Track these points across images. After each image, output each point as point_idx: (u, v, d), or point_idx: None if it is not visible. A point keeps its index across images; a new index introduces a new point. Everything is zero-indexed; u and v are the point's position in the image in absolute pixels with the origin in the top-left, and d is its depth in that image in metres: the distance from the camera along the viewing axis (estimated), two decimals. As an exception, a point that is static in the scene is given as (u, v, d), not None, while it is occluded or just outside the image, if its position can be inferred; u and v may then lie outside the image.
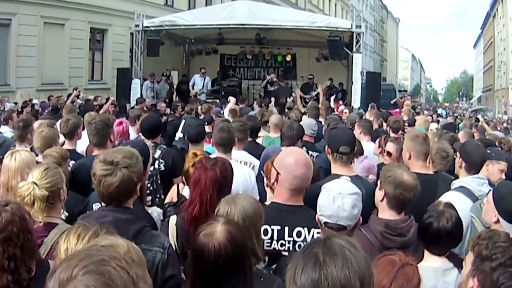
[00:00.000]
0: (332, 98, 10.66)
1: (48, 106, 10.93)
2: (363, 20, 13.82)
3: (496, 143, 5.07)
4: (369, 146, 4.66)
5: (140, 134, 4.64)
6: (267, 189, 2.99)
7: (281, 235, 2.42)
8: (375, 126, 6.41)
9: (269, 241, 2.40)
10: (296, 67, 16.33)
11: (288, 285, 1.21)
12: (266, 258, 2.16)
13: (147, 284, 1.07)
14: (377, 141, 4.58)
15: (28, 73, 14.68)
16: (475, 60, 74.00)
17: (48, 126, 4.44)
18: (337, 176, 2.90)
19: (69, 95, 12.97)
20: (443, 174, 3.64)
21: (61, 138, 4.32)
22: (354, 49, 12.71)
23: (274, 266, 2.25)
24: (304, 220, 2.40)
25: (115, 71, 15.38)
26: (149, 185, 3.92)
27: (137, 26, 13.57)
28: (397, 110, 12.65)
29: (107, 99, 11.06)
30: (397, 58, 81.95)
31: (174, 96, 15.06)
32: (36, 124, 5.00)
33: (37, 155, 3.51)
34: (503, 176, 3.48)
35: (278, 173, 2.49)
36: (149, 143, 3.94)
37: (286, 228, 2.42)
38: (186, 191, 2.95)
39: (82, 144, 4.58)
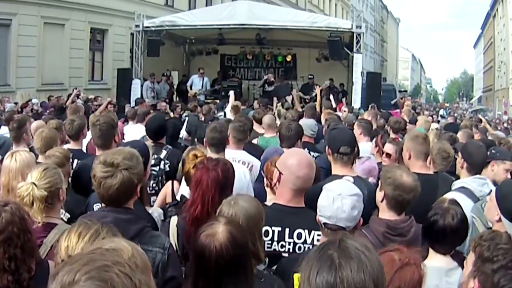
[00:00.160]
0: (331, 98, 10.63)
1: (51, 106, 10.94)
2: (363, 20, 13.79)
3: (496, 143, 5.06)
4: (368, 147, 4.66)
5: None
6: (267, 189, 2.99)
7: (281, 237, 2.41)
8: (374, 126, 6.39)
9: (270, 242, 2.40)
10: (297, 67, 16.33)
11: (302, 286, 1.22)
12: (267, 260, 2.15)
13: None
14: (373, 140, 4.57)
15: (28, 73, 14.68)
16: (475, 60, 74.00)
17: (55, 126, 4.45)
18: (338, 176, 2.90)
19: (69, 95, 13.00)
20: (443, 175, 3.63)
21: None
22: (355, 49, 12.72)
23: (274, 268, 2.24)
24: (305, 221, 2.39)
25: (115, 71, 15.39)
26: (154, 185, 3.94)
27: (137, 26, 13.59)
28: (397, 110, 12.65)
29: (110, 102, 11.08)
30: (397, 58, 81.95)
31: (174, 96, 15.05)
32: (34, 125, 5.00)
33: (37, 156, 3.50)
34: (509, 176, 3.46)
35: (280, 174, 2.49)
36: (149, 143, 3.94)
37: (287, 230, 2.41)
38: (186, 191, 2.94)
39: (84, 140, 4.61)
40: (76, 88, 13.54)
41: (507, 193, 2.53)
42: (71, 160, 4.03)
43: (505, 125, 19.14)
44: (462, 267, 2.14)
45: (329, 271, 1.17)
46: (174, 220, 2.56)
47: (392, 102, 15.83)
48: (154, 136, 4.30)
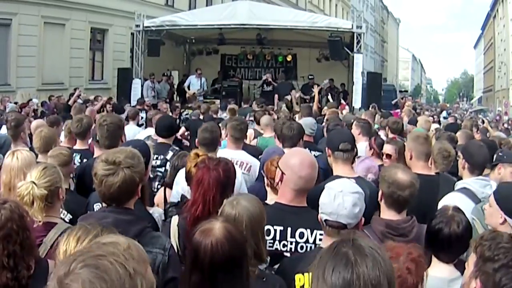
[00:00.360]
0: (329, 97, 10.67)
1: (53, 106, 10.95)
2: (364, 20, 13.81)
3: (497, 144, 5.06)
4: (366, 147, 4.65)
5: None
6: (268, 189, 2.99)
7: (283, 236, 2.41)
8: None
9: (272, 241, 2.39)
10: (297, 68, 16.33)
11: (315, 284, 1.23)
12: (268, 259, 2.15)
13: (147, 280, 1.06)
14: (367, 143, 4.56)
15: (28, 73, 14.67)
16: (476, 61, 73.99)
17: (52, 120, 4.41)
18: (339, 177, 2.90)
19: (71, 94, 13.01)
20: (445, 175, 3.62)
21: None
22: (355, 50, 12.73)
23: (276, 267, 2.23)
24: (307, 221, 2.39)
25: (115, 71, 15.40)
26: (159, 186, 3.93)
27: (137, 26, 13.60)
28: (398, 110, 12.65)
29: (109, 99, 11.08)
30: (397, 59, 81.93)
31: (175, 96, 15.06)
32: (34, 124, 5.01)
33: (36, 155, 3.50)
34: None
35: (283, 173, 2.49)
36: (150, 142, 3.94)
37: (289, 229, 2.41)
38: (186, 190, 2.94)
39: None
40: (77, 89, 13.58)
41: (507, 194, 2.53)
42: (79, 159, 4.05)
43: (506, 125, 19.12)
44: None
45: (345, 268, 1.19)
46: (175, 220, 2.55)
47: (393, 102, 15.85)
48: (164, 133, 4.32)
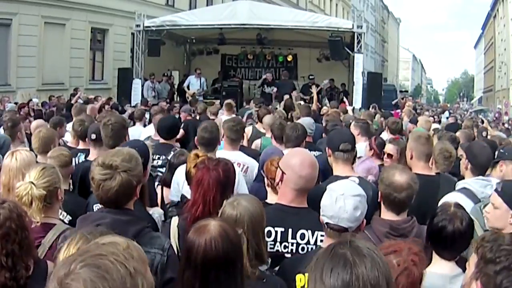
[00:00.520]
0: (324, 101, 10.68)
1: (53, 105, 10.95)
2: (364, 20, 13.81)
3: (497, 144, 5.05)
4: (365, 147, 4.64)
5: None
6: (268, 189, 2.99)
7: (284, 237, 2.40)
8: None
9: (273, 243, 2.39)
10: (297, 68, 16.31)
11: (313, 286, 1.21)
12: (269, 260, 2.14)
13: (147, 279, 1.06)
14: (367, 143, 4.55)
15: (28, 73, 14.67)
16: (476, 61, 73.96)
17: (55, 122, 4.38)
18: (339, 177, 2.89)
19: (71, 95, 13.02)
20: (445, 175, 3.61)
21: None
22: (355, 50, 12.72)
23: (276, 268, 2.23)
24: (308, 222, 2.38)
25: (116, 71, 15.40)
26: (159, 185, 3.92)
27: (138, 26, 13.60)
28: (398, 111, 12.64)
29: (108, 99, 11.06)
30: (398, 59, 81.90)
31: (175, 96, 15.05)
32: (34, 124, 5.01)
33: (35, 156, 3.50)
34: None
35: (283, 173, 2.49)
36: (149, 142, 3.93)
37: (290, 230, 2.41)
38: (186, 190, 2.94)
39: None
40: (77, 89, 13.60)
41: None
42: (84, 158, 4.05)
43: (506, 125, 19.10)
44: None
45: (344, 269, 1.18)
46: (175, 221, 2.55)
47: (393, 102, 15.84)
48: (165, 135, 4.30)
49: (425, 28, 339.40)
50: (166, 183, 3.47)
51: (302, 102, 10.12)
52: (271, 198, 2.85)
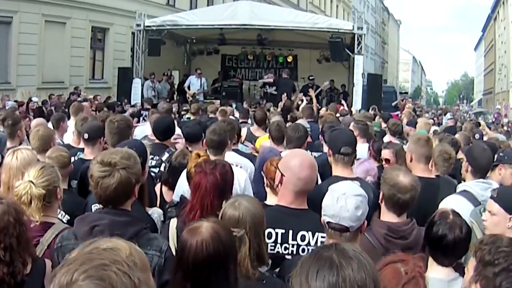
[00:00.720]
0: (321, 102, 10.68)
1: (53, 104, 10.96)
2: (365, 21, 13.82)
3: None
4: (365, 149, 4.65)
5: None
6: (267, 189, 2.99)
7: (285, 239, 2.40)
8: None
9: (273, 244, 2.38)
10: (297, 68, 16.30)
11: None
12: (270, 262, 2.14)
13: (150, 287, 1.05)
14: (365, 144, 4.55)
15: (29, 71, 14.66)
16: (476, 63, 73.97)
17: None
18: (339, 178, 2.90)
19: (71, 93, 13.03)
20: (446, 178, 3.61)
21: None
22: (356, 51, 12.72)
23: (277, 270, 2.22)
24: (308, 223, 2.39)
25: (116, 70, 15.39)
26: (160, 186, 3.91)
27: (138, 25, 13.59)
28: (397, 112, 12.63)
29: (107, 98, 11.06)
30: (398, 60, 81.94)
31: (175, 96, 15.05)
32: (34, 122, 5.01)
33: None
34: None
35: (282, 175, 2.49)
36: (146, 142, 3.92)
37: (290, 232, 2.40)
38: (185, 189, 2.93)
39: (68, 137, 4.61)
40: (78, 87, 13.60)
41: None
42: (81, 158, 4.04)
43: (505, 128, 19.08)
44: (463, 277, 2.12)
45: (330, 271, 1.16)
46: (173, 222, 2.55)
47: (393, 104, 15.81)
48: (160, 136, 4.29)
49: (425, 30, 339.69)
50: (167, 183, 3.46)
51: (299, 102, 10.14)
52: (271, 199, 2.85)
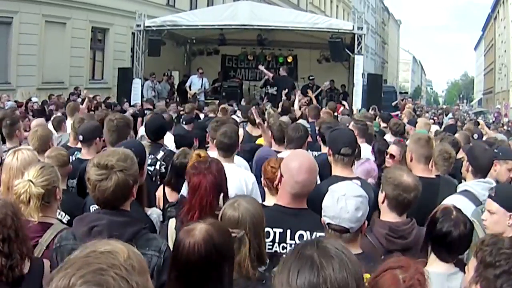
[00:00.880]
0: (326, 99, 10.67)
1: (52, 104, 10.95)
2: (365, 22, 13.84)
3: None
4: (364, 148, 4.65)
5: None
6: (266, 189, 3.00)
7: (283, 238, 2.40)
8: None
9: (271, 243, 2.38)
10: (297, 69, 16.31)
11: None
12: (268, 261, 2.14)
13: None
14: (364, 144, 4.55)
15: (29, 71, 14.65)
16: (476, 63, 73.98)
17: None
18: (338, 178, 2.90)
19: (71, 94, 13.03)
20: (446, 178, 3.60)
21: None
22: (356, 51, 12.72)
23: (275, 269, 2.22)
24: (307, 223, 2.38)
25: (116, 70, 15.39)
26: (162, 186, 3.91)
27: (138, 25, 13.59)
28: (397, 112, 12.61)
29: (107, 98, 11.06)
30: (398, 60, 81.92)
31: (175, 96, 15.05)
32: (34, 123, 5.02)
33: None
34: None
35: (281, 176, 2.49)
36: (145, 142, 3.92)
37: (288, 231, 2.40)
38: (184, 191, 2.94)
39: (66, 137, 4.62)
40: (78, 88, 13.58)
41: (509, 194, 2.51)
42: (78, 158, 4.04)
43: (506, 127, 19.08)
44: (463, 272, 2.12)
45: (311, 271, 1.14)
46: (172, 222, 2.55)
47: (393, 104, 15.80)
48: (153, 136, 4.28)
49: (425, 30, 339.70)
50: (170, 184, 3.46)
51: (301, 99, 10.11)
52: (269, 198, 2.86)
